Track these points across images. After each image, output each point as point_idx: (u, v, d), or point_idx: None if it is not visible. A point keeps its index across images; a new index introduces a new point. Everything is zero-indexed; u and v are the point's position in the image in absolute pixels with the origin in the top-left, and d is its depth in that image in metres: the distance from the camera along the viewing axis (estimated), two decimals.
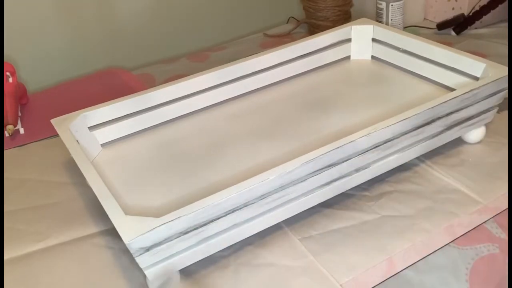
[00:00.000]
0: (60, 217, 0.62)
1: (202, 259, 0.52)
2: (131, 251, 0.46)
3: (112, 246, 0.58)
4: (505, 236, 0.57)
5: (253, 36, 1.12)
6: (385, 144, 0.58)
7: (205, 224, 0.49)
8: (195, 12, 1.14)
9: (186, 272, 0.53)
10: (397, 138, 0.58)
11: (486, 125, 0.68)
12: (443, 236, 0.56)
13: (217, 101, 0.75)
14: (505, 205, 0.59)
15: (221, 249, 0.53)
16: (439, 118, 0.61)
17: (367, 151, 0.57)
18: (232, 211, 0.50)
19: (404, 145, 0.60)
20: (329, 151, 0.53)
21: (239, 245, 0.55)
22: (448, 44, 0.78)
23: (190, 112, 0.73)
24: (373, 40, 0.81)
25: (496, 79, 0.63)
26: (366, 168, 0.58)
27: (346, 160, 0.55)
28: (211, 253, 0.52)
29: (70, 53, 1.04)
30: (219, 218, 0.49)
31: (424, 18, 1.11)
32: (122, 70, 0.99)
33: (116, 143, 0.69)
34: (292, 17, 1.19)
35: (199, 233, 0.49)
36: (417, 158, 0.65)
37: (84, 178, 0.55)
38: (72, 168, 0.69)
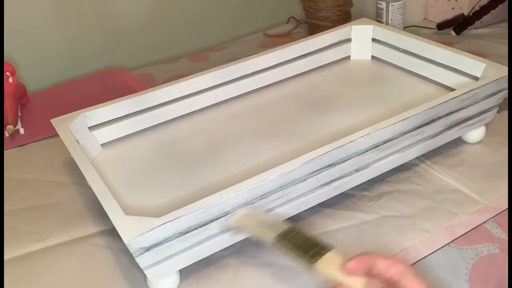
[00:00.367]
0: (60, 217, 0.62)
1: (202, 259, 0.52)
2: (131, 251, 0.46)
3: (112, 246, 0.58)
4: (505, 236, 0.57)
5: (253, 36, 1.12)
6: (385, 144, 0.58)
7: (205, 224, 0.49)
8: (195, 12, 1.14)
9: (186, 272, 0.53)
10: (397, 138, 0.58)
11: (486, 125, 0.68)
12: (443, 236, 0.56)
13: (217, 101, 0.75)
14: (505, 205, 0.59)
15: (221, 249, 0.53)
16: (439, 118, 0.61)
17: (367, 151, 0.57)
18: (232, 211, 0.50)
19: (404, 145, 0.60)
20: (329, 151, 0.53)
21: (239, 245, 0.55)
22: (448, 44, 0.78)
23: (190, 112, 0.73)
24: (373, 40, 0.81)
25: (496, 79, 0.63)
26: (366, 168, 0.58)
27: (346, 160, 0.55)
28: (211, 253, 0.52)
29: (70, 53, 1.04)
30: (219, 218, 0.49)
31: (424, 18, 1.11)
32: (122, 70, 0.99)
33: (116, 143, 0.69)
34: (292, 17, 1.19)
35: (199, 233, 0.49)
36: (417, 158, 0.65)
37: (84, 178, 0.55)
38: (72, 168, 0.69)
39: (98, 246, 0.58)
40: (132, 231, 0.46)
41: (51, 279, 0.54)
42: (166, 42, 1.13)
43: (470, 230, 0.57)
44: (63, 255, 0.57)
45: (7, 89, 0.80)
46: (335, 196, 0.58)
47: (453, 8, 1.04)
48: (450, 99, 0.60)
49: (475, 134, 0.67)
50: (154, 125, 0.71)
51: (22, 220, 0.62)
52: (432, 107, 0.59)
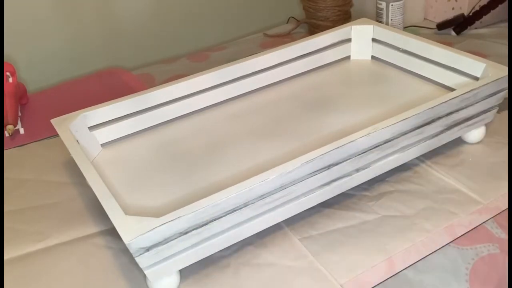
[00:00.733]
0: (60, 217, 0.62)
1: (202, 259, 0.52)
2: (131, 251, 0.46)
3: (112, 246, 0.58)
4: (505, 236, 0.57)
5: (253, 36, 1.12)
6: (385, 144, 0.58)
7: (205, 224, 0.49)
8: (195, 12, 1.14)
9: (186, 272, 0.53)
10: (397, 138, 0.58)
11: (486, 125, 0.68)
12: (443, 236, 0.56)
13: (217, 101, 0.75)
14: (505, 205, 0.59)
15: (221, 249, 0.53)
16: (439, 118, 0.61)
17: (367, 151, 0.57)
18: (232, 211, 0.50)
19: (404, 145, 0.60)
20: (329, 151, 0.53)
21: (239, 245, 0.55)
22: (448, 44, 0.78)
23: (190, 112, 0.73)
24: (373, 40, 0.81)
25: (496, 79, 0.63)
26: (366, 168, 0.58)
27: (346, 160, 0.55)
28: (211, 253, 0.52)
29: (70, 53, 1.04)
30: (219, 218, 0.49)
31: (424, 18, 1.11)
32: (122, 70, 0.99)
33: (116, 143, 0.69)
34: (292, 17, 1.19)
35: (199, 233, 0.49)
36: (417, 158, 0.65)
37: (84, 178, 0.55)
38: (72, 168, 0.69)
39: (98, 246, 0.58)
40: (132, 231, 0.46)
41: (51, 279, 0.54)
42: (166, 42, 1.13)
43: (470, 230, 0.57)
44: (63, 255, 0.57)
45: (7, 89, 0.80)
46: (335, 196, 0.58)
47: (453, 8, 1.05)
48: (450, 99, 0.60)
49: (475, 134, 0.67)
50: (154, 125, 0.71)
51: (22, 220, 0.62)
52: (432, 107, 0.59)
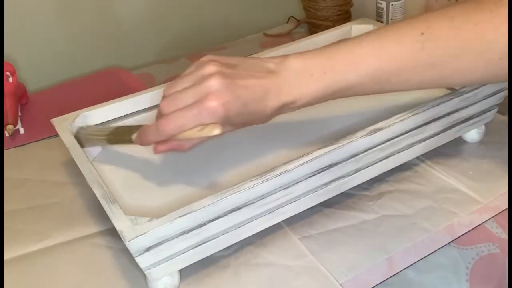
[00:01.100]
0: (60, 217, 0.62)
1: (202, 259, 0.52)
2: (131, 251, 0.46)
3: (112, 246, 0.58)
4: (505, 236, 0.57)
5: (253, 36, 1.12)
6: (385, 144, 0.58)
7: (205, 224, 0.49)
8: (195, 12, 1.14)
9: (186, 272, 0.53)
10: (397, 138, 0.58)
11: (486, 125, 0.68)
12: (443, 236, 0.56)
13: None
14: (505, 205, 0.59)
15: (221, 249, 0.53)
16: (439, 117, 0.61)
17: (367, 151, 0.57)
18: (232, 211, 0.50)
19: (404, 144, 0.60)
20: (329, 151, 0.53)
21: (239, 245, 0.55)
22: None
23: None
24: None
25: None
26: (366, 168, 0.58)
27: (346, 160, 0.55)
28: (211, 253, 0.52)
29: (70, 53, 1.04)
30: (219, 218, 0.49)
31: None
32: (122, 70, 0.99)
33: None
34: (292, 16, 1.19)
35: (199, 233, 0.49)
36: (417, 157, 0.65)
37: (84, 178, 0.55)
38: (72, 168, 0.69)
39: (98, 246, 0.58)
40: (132, 231, 0.46)
41: (51, 279, 0.54)
42: (166, 42, 1.13)
43: (470, 229, 0.57)
44: (63, 255, 0.57)
45: (7, 89, 0.80)
46: (335, 195, 0.58)
47: None
48: (450, 99, 0.60)
49: (475, 134, 0.67)
50: None
51: (22, 220, 0.62)
52: (432, 107, 0.59)
